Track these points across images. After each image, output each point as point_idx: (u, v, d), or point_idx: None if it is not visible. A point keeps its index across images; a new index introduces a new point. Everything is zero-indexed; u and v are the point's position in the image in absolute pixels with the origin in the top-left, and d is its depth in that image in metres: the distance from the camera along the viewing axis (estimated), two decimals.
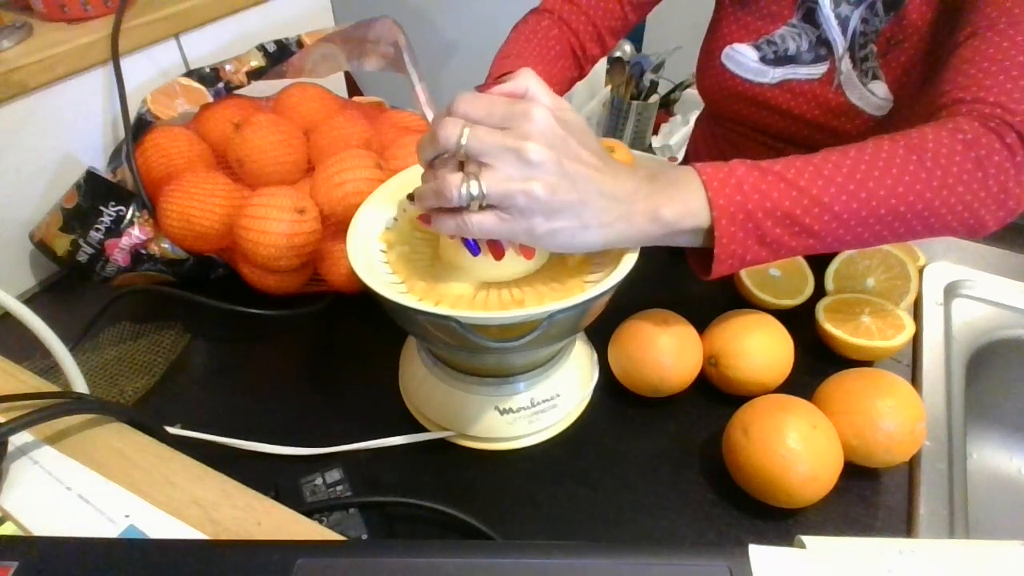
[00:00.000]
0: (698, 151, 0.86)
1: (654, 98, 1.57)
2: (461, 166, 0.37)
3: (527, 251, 0.42)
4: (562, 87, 0.66)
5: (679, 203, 0.40)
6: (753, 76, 0.66)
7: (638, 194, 0.40)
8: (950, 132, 0.43)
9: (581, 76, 0.70)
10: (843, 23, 0.61)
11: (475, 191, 0.36)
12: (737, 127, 0.74)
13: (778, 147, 0.70)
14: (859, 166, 0.42)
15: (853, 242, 0.44)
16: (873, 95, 0.61)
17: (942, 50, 0.53)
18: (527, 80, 0.38)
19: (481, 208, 0.37)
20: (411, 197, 0.41)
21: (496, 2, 1.50)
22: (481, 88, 0.40)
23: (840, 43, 0.61)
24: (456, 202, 0.36)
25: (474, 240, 0.40)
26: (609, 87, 1.60)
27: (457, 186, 0.36)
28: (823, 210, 0.41)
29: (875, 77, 0.60)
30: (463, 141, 0.35)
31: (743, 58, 0.66)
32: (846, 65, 0.61)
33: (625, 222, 0.39)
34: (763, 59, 0.65)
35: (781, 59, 0.64)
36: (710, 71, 0.70)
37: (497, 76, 0.60)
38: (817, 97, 0.64)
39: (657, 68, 1.52)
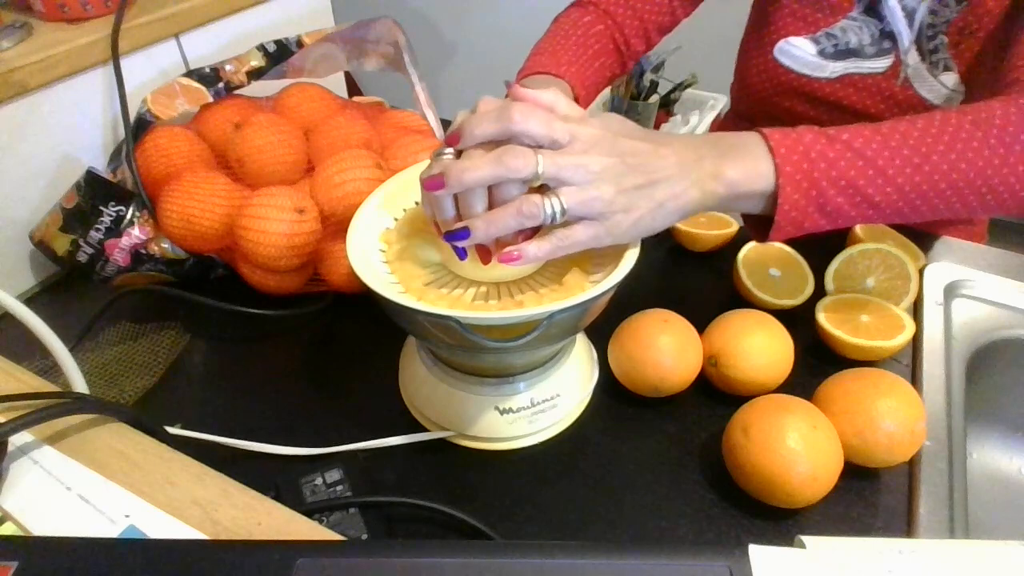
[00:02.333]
0: None
1: (654, 98, 1.57)
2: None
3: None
4: (598, 88, 0.65)
5: (745, 166, 0.41)
6: (810, 71, 0.65)
7: (704, 159, 0.41)
8: (1019, 109, 0.43)
9: (623, 72, 0.69)
10: (909, 15, 0.59)
11: (558, 207, 0.37)
12: (781, 126, 0.72)
13: None
14: (925, 139, 0.42)
15: (910, 214, 0.44)
16: (944, 87, 0.60)
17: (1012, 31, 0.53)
18: (553, 97, 0.40)
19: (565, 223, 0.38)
20: (453, 235, 0.39)
21: (496, 2, 1.50)
22: (510, 85, 0.41)
23: (906, 36, 0.60)
24: (542, 221, 0.37)
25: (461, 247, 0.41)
26: (609, 87, 1.60)
27: (541, 206, 0.37)
28: (887, 182, 0.42)
29: (947, 68, 0.59)
30: (540, 170, 0.37)
31: (799, 52, 0.64)
32: (913, 58, 0.60)
33: (697, 188, 0.40)
34: (822, 53, 0.64)
35: (842, 53, 0.63)
36: (758, 66, 0.68)
37: (530, 73, 0.60)
38: (882, 91, 0.63)
39: (657, 68, 1.51)
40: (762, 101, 0.71)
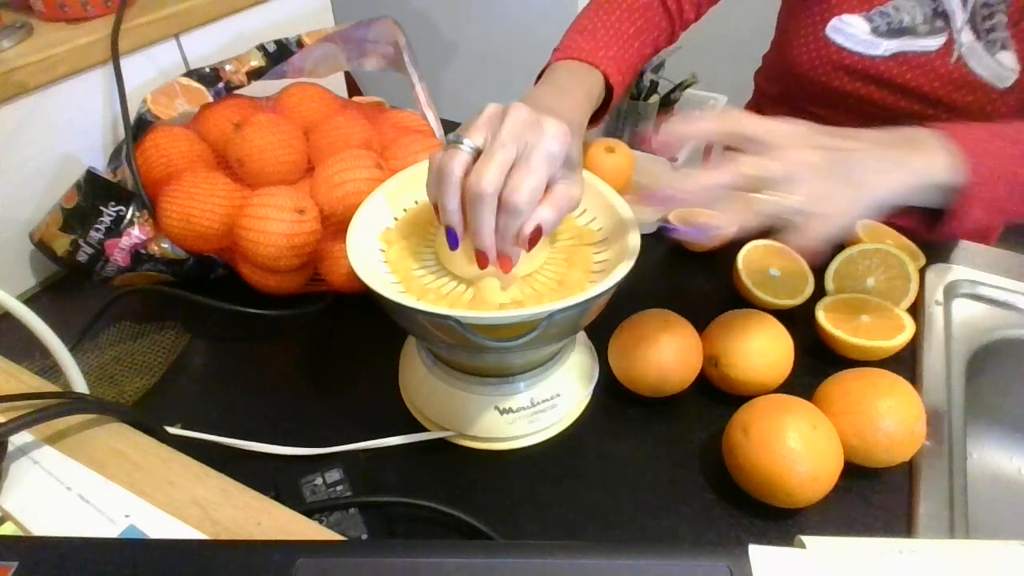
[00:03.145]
0: None
1: (654, 98, 1.57)
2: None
3: (504, 263, 0.41)
4: (635, 68, 0.66)
5: (929, 160, 0.44)
6: (863, 48, 0.65)
7: (896, 148, 0.44)
8: None
9: (669, 43, 0.71)
10: None
11: (786, 205, 0.40)
12: (828, 110, 0.72)
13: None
14: None
15: None
16: (1000, 66, 0.61)
17: None
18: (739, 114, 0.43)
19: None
20: (698, 229, 0.43)
21: (496, 2, 1.50)
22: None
23: (959, 15, 0.61)
24: (774, 221, 0.40)
25: (454, 234, 0.40)
26: None
27: (778, 205, 0.40)
28: None
29: (1004, 47, 0.60)
30: (769, 173, 0.39)
31: (853, 30, 0.65)
32: (967, 36, 0.61)
33: (894, 176, 0.43)
34: (875, 31, 0.64)
35: (895, 31, 0.64)
36: (807, 45, 0.69)
37: (565, 56, 0.60)
38: (936, 69, 0.63)
39: (657, 68, 1.51)
40: (810, 81, 0.71)
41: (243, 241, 0.53)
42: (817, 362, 0.53)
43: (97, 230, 0.56)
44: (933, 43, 0.63)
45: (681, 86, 1.66)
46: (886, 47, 0.64)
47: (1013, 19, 0.59)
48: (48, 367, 0.50)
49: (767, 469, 0.41)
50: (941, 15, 0.62)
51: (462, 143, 0.38)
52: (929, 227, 0.48)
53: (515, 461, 0.48)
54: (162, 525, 0.33)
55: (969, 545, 0.29)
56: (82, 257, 0.56)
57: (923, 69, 0.64)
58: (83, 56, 0.61)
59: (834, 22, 0.66)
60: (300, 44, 0.65)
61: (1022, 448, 0.63)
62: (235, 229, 0.54)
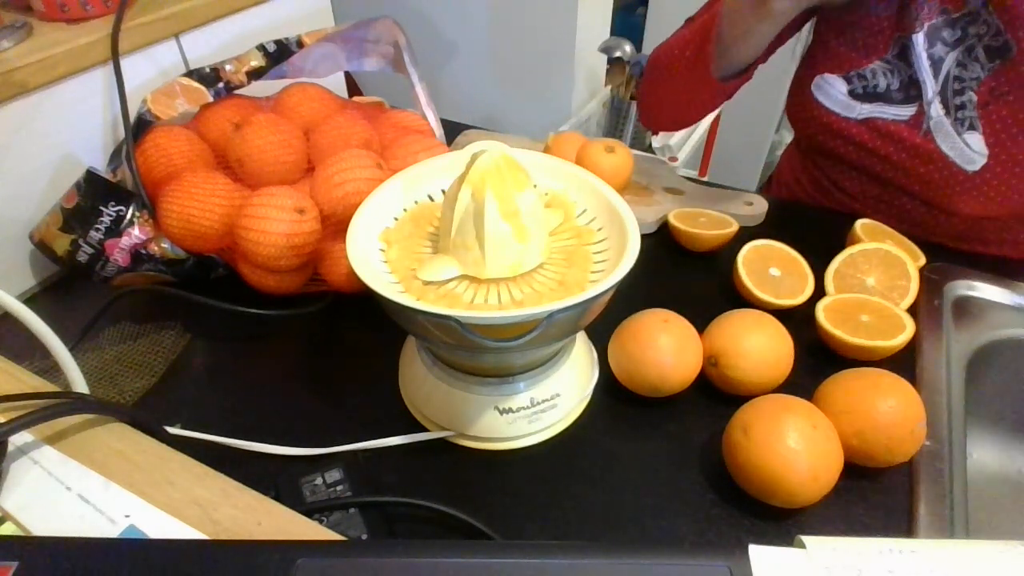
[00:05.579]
0: (796, 173, 0.83)
1: None
2: None
3: None
4: None
5: None
6: (841, 110, 0.65)
7: None
8: None
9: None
10: (936, 65, 0.59)
11: None
12: (828, 161, 0.73)
13: (867, 187, 0.70)
14: None
15: None
16: (967, 147, 0.59)
17: None
18: None
19: None
20: None
21: (496, 2, 1.50)
22: None
23: (930, 85, 0.60)
24: None
25: None
26: (609, 87, 1.60)
27: None
28: None
29: (972, 128, 0.59)
30: None
31: (832, 90, 0.65)
32: (936, 110, 0.60)
33: None
34: (852, 93, 0.64)
35: (870, 95, 0.63)
36: (800, 100, 0.69)
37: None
38: (904, 140, 0.62)
39: None
40: (804, 135, 0.72)
41: (243, 241, 0.53)
42: (817, 362, 0.53)
43: (97, 230, 0.56)
44: (904, 112, 0.62)
45: None
46: (860, 110, 0.64)
47: (982, 100, 0.58)
48: (48, 367, 0.50)
49: (767, 469, 0.41)
50: (915, 84, 0.61)
51: None
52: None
53: (515, 461, 0.48)
54: (162, 525, 0.33)
55: (969, 545, 0.29)
56: (82, 257, 0.56)
57: (892, 138, 0.63)
58: (83, 56, 0.61)
59: (818, 79, 0.66)
60: (300, 44, 0.65)
61: (1022, 448, 0.63)
62: (235, 229, 0.54)
